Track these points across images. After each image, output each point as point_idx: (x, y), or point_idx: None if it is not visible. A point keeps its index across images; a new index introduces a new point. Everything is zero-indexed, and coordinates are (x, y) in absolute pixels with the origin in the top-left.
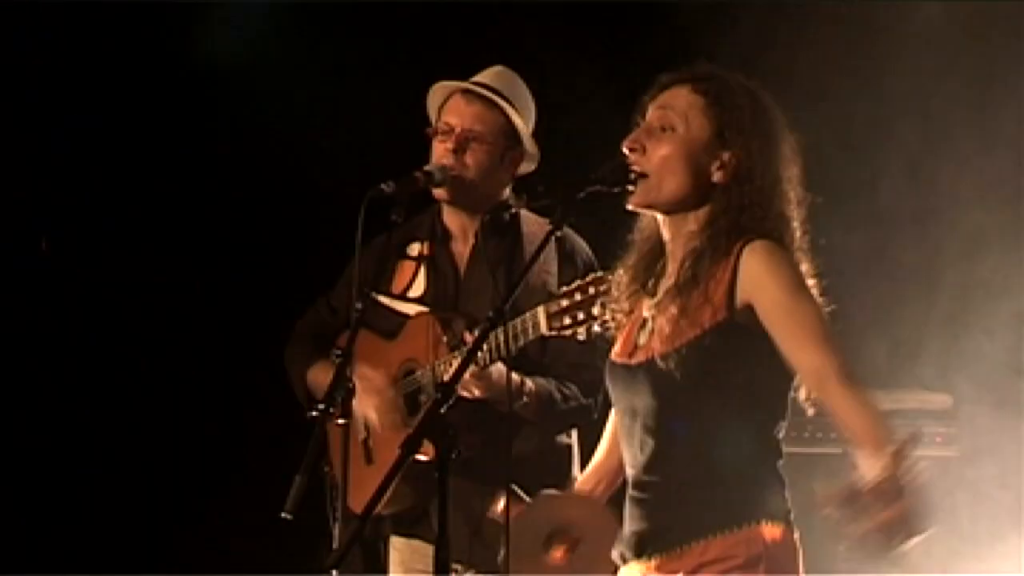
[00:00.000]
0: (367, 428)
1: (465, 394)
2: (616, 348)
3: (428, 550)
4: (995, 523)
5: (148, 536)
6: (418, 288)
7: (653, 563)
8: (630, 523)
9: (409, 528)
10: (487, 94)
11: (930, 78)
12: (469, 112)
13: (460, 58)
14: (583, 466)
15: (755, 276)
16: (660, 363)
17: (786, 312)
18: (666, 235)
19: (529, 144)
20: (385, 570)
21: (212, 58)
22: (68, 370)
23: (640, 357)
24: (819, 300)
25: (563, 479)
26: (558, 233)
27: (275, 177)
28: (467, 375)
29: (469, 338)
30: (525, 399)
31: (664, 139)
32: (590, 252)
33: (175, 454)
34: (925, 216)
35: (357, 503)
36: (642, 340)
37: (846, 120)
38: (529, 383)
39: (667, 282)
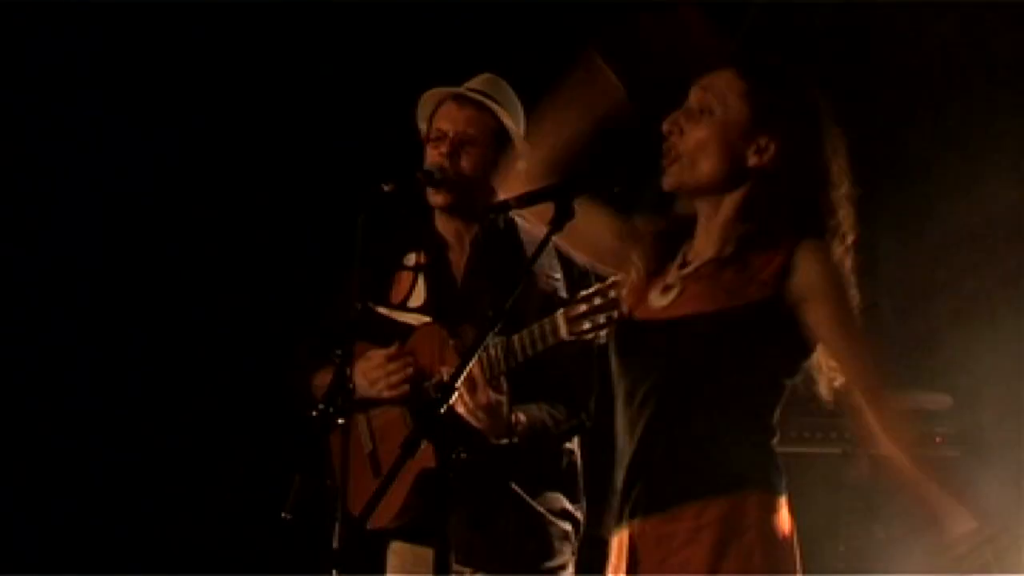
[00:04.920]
0: (373, 440)
1: (460, 407)
2: (627, 306)
3: (430, 555)
4: (995, 523)
5: (148, 536)
6: (418, 298)
7: (649, 523)
8: (626, 484)
9: (413, 533)
10: (478, 98)
11: (938, 81)
12: (461, 116)
13: (460, 60)
14: (586, 472)
15: (814, 282)
16: (692, 324)
17: (843, 326)
18: (699, 213)
19: (521, 146)
20: (383, 571)
21: (212, 58)
22: (68, 370)
23: (668, 314)
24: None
25: (571, 488)
26: (558, 233)
27: (274, 176)
28: (473, 405)
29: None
30: (515, 439)
31: (702, 121)
32: None
33: (175, 454)
34: (928, 219)
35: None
36: (663, 302)
37: (853, 121)
38: (522, 417)
39: (702, 253)
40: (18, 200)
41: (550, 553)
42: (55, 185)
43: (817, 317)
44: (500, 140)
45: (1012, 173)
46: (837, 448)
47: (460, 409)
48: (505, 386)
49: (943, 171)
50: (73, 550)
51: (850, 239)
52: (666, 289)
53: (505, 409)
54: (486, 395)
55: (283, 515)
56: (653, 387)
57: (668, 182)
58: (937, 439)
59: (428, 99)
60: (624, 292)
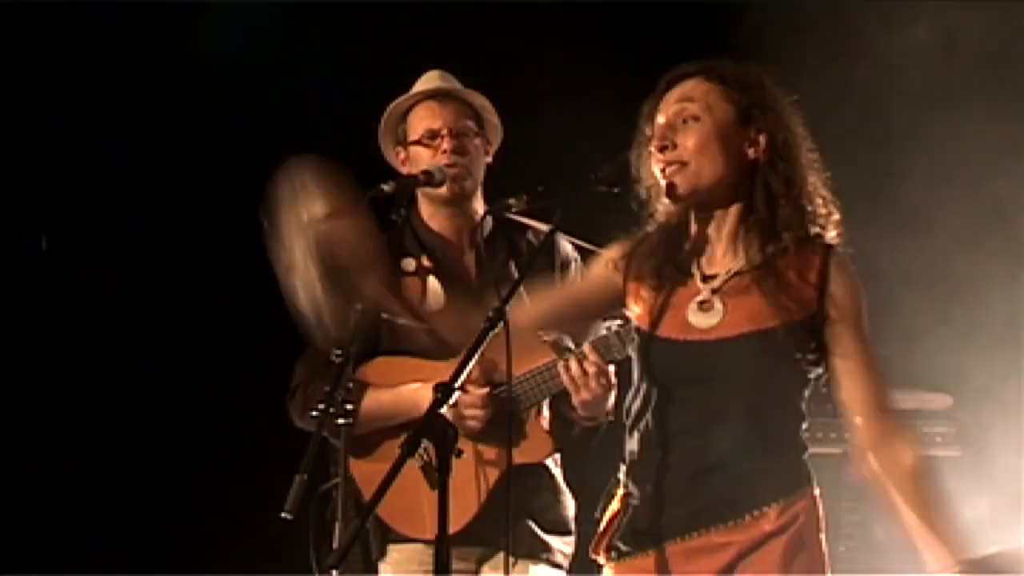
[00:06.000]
0: (427, 451)
1: (585, 394)
2: (658, 324)
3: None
4: (995, 523)
5: (148, 536)
6: (437, 300)
7: (713, 534)
8: (678, 501)
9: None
10: (461, 94)
11: (931, 80)
12: (448, 112)
13: (459, 58)
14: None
15: (843, 287)
16: (748, 343)
17: (863, 343)
18: (705, 223)
19: (499, 132)
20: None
21: (212, 58)
22: (68, 369)
23: (719, 335)
24: None
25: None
26: (558, 233)
27: (273, 176)
28: (601, 390)
29: (564, 337)
30: (605, 420)
31: (691, 130)
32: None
33: (175, 454)
34: (925, 216)
35: (417, 530)
36: (708, 322)
37: (849, 121)
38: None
39: (727, 265)
40: (19, 198)
41: (571, 537)
42: (56, 183)
43: (843, 334)
44: (482, 127)
45: (1011, 172)
46: (837, 448)
47: (582, 396)
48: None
49: (939, 170)
50: (73, 550)
51: (835, 217)
52: (704, 307)
53: (611, 394)
54: (609, 380)
55: (283, 515)
56: (707, 401)
57: (680, 189)
58: (937, 439)
59: (395, 109)
60: (649, 311)
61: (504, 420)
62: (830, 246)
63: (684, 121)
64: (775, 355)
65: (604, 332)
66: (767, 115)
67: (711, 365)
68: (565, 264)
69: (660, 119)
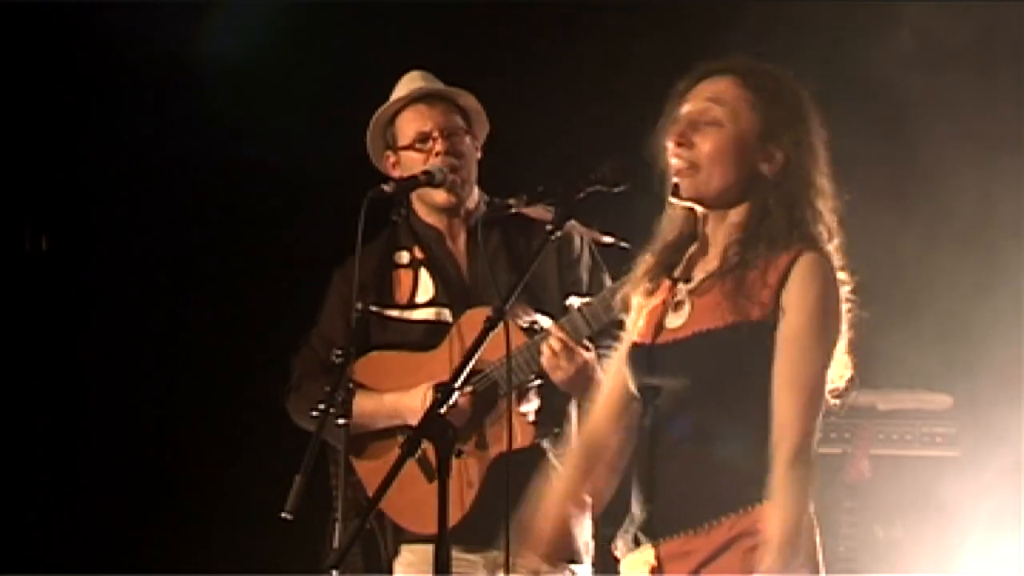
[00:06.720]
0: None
1: (559, 374)
2: (639, 330)
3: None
4: (995, 523)
5: (148, 536)
6: (426, 292)
7: (678, 541)
8: (646, 503)
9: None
10: (449, 93)
11: (937, 79)
12: (438, 113)
13: (459, 58)
14: None
15: (796, 293)
16: (697, 342)
17: (797, 347)
18: (706, 224)
19: (486, 125)
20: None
21: (212, 58)
22: (67, 369)
23: (676, 336)
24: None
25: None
26: (558, 233)
27: (274, 176)
28: (573, 370)
29: (540, 318)
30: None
31: (711, 134)
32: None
33: (175, 454)
34: (926, 216)
35: (419, 524)
36: (674, 322)
37: (851, 122)
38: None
39: (707, 267)
40: (18, 197)
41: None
42: (56, 183)
43: (779, 346)
44: (470, 125)
45: (1013, 171)
46: (837, 448)
47: (558, 376)
48: (592, 347)
49: (940, 170)
50: (73, 550)
51: (836, 241)
52: (677, 308)
53: (597, 369)
54: (582, 356)
55: (283, 515)
56: (671, 407)
57: (685, 194)
58: (937, 439)
59: (383, 114)
60: (640, 319)
61: (482, 411)
62: (803, 250)
63: (708, 123)
64: (722, 355)
65: (570, 311)
66: (790, 132)
67: (669, 367)
68: (566, 240)
69: (686, 108)
